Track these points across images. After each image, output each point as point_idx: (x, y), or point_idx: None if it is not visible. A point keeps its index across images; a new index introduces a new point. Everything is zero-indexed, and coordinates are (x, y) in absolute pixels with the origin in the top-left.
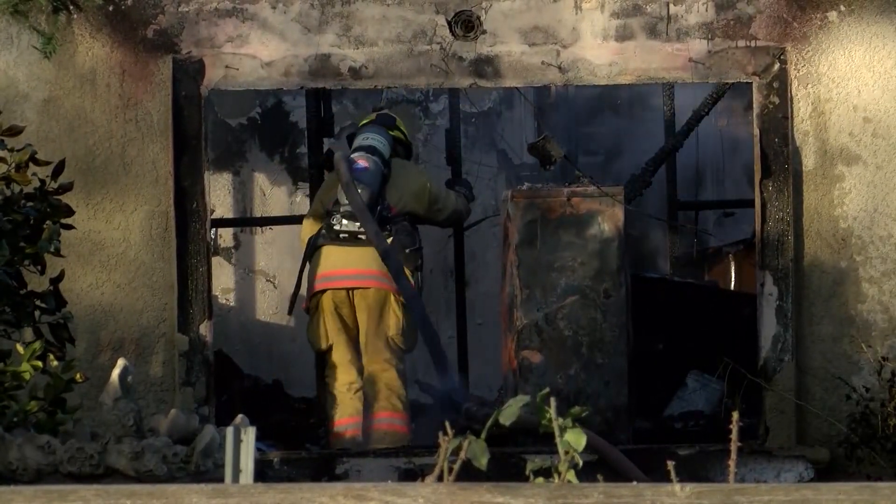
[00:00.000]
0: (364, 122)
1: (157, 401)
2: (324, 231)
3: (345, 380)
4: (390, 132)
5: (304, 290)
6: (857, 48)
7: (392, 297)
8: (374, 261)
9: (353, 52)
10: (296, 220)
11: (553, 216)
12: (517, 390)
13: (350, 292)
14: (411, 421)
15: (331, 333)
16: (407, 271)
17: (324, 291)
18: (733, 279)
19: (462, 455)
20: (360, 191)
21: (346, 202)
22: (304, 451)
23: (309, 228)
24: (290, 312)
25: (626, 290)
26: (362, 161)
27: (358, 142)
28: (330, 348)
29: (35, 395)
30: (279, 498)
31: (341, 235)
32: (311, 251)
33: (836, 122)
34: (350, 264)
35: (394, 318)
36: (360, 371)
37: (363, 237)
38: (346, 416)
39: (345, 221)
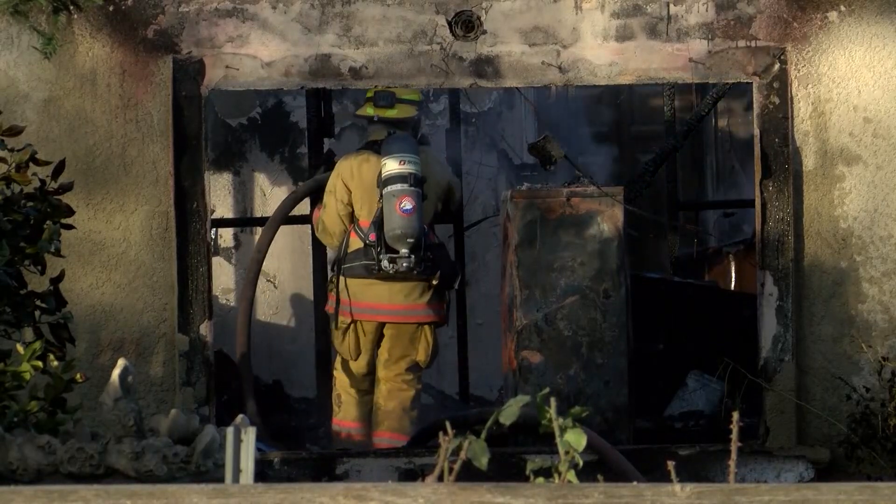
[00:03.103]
0: (370, 100)
1: (158, 401)
2: (367, 263)
3: (357, 386)
4: (402, 116)
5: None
6: (858, 48)
7: (426, 327)
8: (415, 294)
9: (354, 52)
10: (296, 220)
11: (553, 216)
12: (517, 390)
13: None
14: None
15: (361, 349)
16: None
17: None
18: (733, 279)
19: (462, 455)
20: (409, 239)
21: (392, 244)
22: (304, 451)
23: (336, 222)
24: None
25: (626, 290)
26: (408, 201)
27: (395, 164)
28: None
29: (35, 395)
30: (279, 498)
31: (384, 272)
32: (349, 272)
33: (837, 123)
34: (391, 300)
35: (424, 345)
36: (373, 384)
37: (414, 272)
38: (348, 418)
39: (390, 263)
